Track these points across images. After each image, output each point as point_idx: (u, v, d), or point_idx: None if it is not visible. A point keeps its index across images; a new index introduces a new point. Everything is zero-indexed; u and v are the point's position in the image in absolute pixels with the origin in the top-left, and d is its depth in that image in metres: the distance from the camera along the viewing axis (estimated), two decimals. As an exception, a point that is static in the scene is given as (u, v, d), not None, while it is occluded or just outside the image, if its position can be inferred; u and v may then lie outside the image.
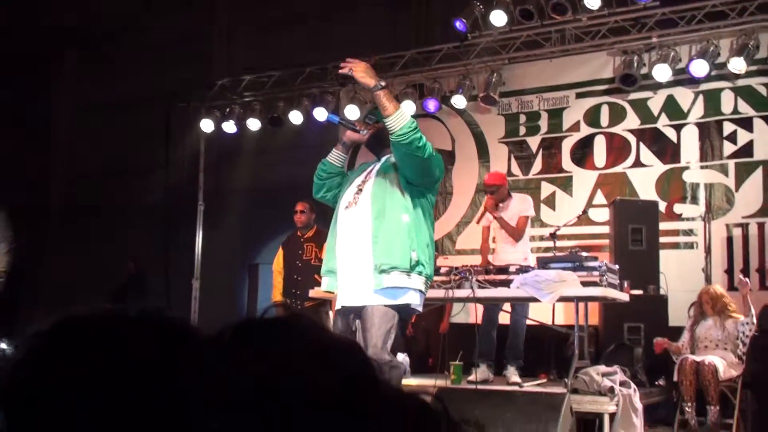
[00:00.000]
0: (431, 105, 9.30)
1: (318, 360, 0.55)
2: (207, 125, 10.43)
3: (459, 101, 9.10)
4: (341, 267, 4.04)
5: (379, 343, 3.83)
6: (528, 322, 6.81)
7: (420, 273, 3.95)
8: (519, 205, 6.98)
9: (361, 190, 4.10)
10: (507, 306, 6.74)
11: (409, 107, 9.37)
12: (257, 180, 10.97)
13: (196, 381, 0.52)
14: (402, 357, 7.17)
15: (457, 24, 8.77)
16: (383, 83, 3.96)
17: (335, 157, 4.34)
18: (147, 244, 11.33)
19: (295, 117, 9.96)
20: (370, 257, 3.91)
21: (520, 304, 6.65)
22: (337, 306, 4.11)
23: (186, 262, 10.67)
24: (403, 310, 4.00)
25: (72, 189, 13.58)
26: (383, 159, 4.23)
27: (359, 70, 3.99)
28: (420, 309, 4.13)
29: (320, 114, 9.82)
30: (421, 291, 4.00)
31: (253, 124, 10.26)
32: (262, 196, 10.72)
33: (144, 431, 0.49)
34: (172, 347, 0.55)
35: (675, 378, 6.46)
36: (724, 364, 6.35)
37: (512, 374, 6.60)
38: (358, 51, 9.92)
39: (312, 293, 6.76)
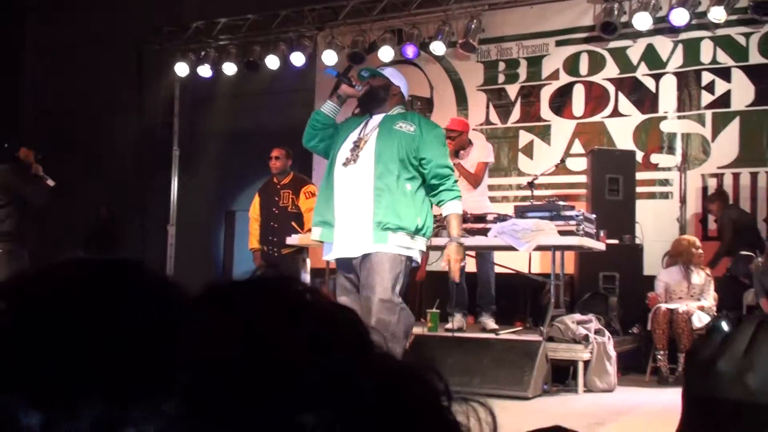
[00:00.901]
0: (410, 51, 9.20)
1: (309, 336, 0.51)
2: (182, 69, 10.26)
3: (438, 48, 9.00)
4: (341, 221, 4.10)
5: (389, 285, 3.93)
6: (504, 270, 6.86)
7: (424, 235, 4.11)
8: (478, 152, 6.92)
9: (358, 146, 4.16)
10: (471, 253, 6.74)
11: (387, 53, 9.27)
12: (233, 125, 10.81)
13: (176, 352, 0.49)
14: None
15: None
16: (462, 240, 4.24)
17: (330, 108, 4.37)
18: (121, 189, 11.19)
19: (272, 62, 9.81)
20: (370, 213, 4.00)
21: (486, 252, 6.69)
22: (334, 256, 4.16)
23: (161, 208, 10.59)
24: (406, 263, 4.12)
25: (42, 131, 13.34)
26: (381, 117, 4.26)
27: (457, 264, 4.20)
28: (419, 263, 4.30)
29: (297, 59, 9.68)
30: (422, 250, 4.17)
31: (229, 68, 10.11)
32: (238, 142, 10.58)
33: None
34: (155, 312, 0.52)
35: (649, 326, 6.56)
36: (698, 313, 6.45)
37: (488, 321, 6.68)
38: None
39: (289, 240, 6.74)
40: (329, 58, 9.58)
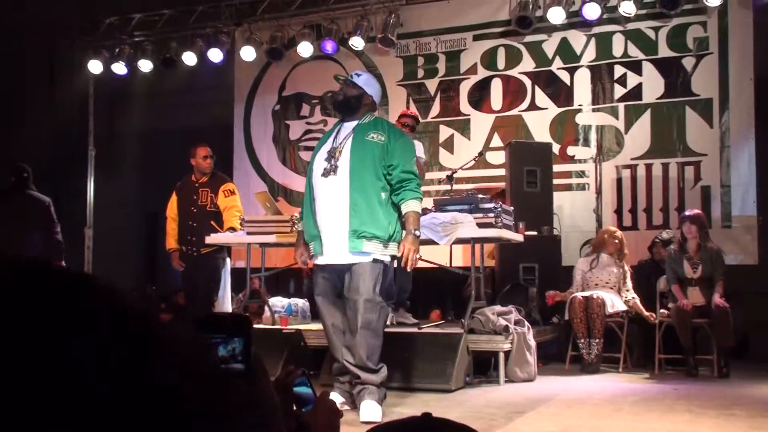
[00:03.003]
0: (329, 46, 9.16)
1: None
2: (95, 66, 9.99)
3: (357, 42, 8.99)
4: (325, 229, 4.51)
5: (371, 288, 4.43)
6: (426, 264, 6.88)
7: (395, 240, 4.52)
8: None
9: (333, 156, 4.51)
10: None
11: (306, 48, 9.21)
12: (152, 124, 10.57)
13: None
14: (302, 302, 7.18)
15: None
16: (417, 233, 4.53)
17: None
18: (38, 190, 10.83)
19: (189, 58, 9.64)
20: (347, 223, 4.41)
21: None
22: (322, 262, 4.57)
23: (78, 211, 10.30)
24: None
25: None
26: (353, 125, 4.60)
27: (412, 254, 4.49)
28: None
29: (215, 55, 9.53)
30: (393, 255, 4.59)
31: (145, 65, 9.89)
32: (157, 141, 10.35)
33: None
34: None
35: (566, 316, 6.69)
36: (611, 299, 6.62)
37: (407, 315, 6.72)
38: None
39: (208, 239, 6.64)
40: (247, 53, 9.47)
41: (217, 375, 0.55)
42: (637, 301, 6.81)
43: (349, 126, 4.60)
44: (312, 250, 4.60)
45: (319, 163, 4.56)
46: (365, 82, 4.69)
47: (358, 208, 4.39)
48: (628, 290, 6.87)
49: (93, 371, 0.49)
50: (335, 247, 4.47)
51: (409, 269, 4.61)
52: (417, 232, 4.50)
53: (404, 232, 4.50)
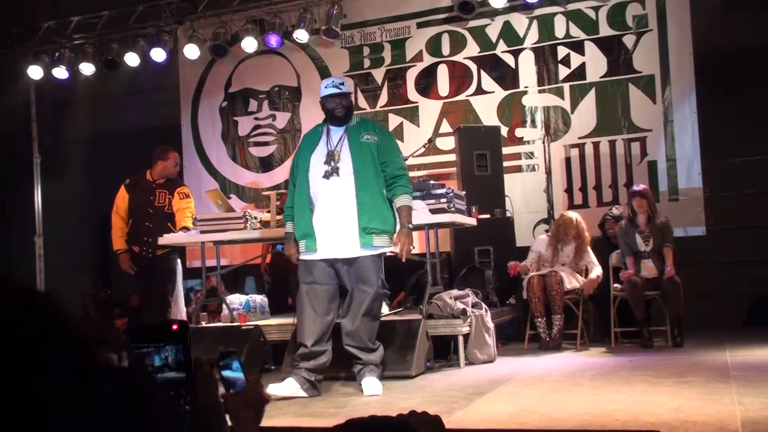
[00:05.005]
0: (273, 40, 9.11)
1: None
2: (35, 72, 9.78)
3: (301, 35, 8.95)
4: (326, 228, 4.81)
5: (377, 280, 4.86)
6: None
7: (393, 232, 4.92)
8: None
9: (333, 159, 4.82)
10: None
11: (250, 44, 9.14)
12: (97, 127, 10.40)
13: None
14: (260, 298, 7.15)
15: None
16: (411, 226, 4.92)
17: None
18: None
19: (132, 59, 9.49)
20: (355, 221, 4.75)
21: None
22: (319, 257, 4.85)
23: (27, 219, 10.11)
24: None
25: None
26: (343, 128, 4.92)
27: (408, 246, 4.90)
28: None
29: (158, 55, 9.41)
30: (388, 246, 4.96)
31: (87, 68, 9.71)
32: (104, 145, 10.19)
33: None
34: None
35: (524, 296, 6.76)
36: (567, 275, 6.70)
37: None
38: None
39: (162, 240, 6.57)
40: (191, 51, 9.36)
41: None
42: (599, 274, 6.82)
43: (339, 129, 4.93)
44: (304, 247, 4.88)
45: (317, 165, 4.85)
46: (349, 87, 5.16)
47: (365, 206, 4.77)
48: (591, 262, 6.88)
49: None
50: (339, 242, 4.80)
51: (404, 260, 4.95)
52: (410, 225, 4.89)
53: (399, 227, 4.88)
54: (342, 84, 4.99)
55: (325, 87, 4.99)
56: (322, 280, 4.90)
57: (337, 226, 4.80)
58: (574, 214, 7.05)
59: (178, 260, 6.97)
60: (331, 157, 4.84)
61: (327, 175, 4.82)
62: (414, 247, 5.05)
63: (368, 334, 4.93)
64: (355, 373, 4.99)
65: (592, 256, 6.93)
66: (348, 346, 4.93)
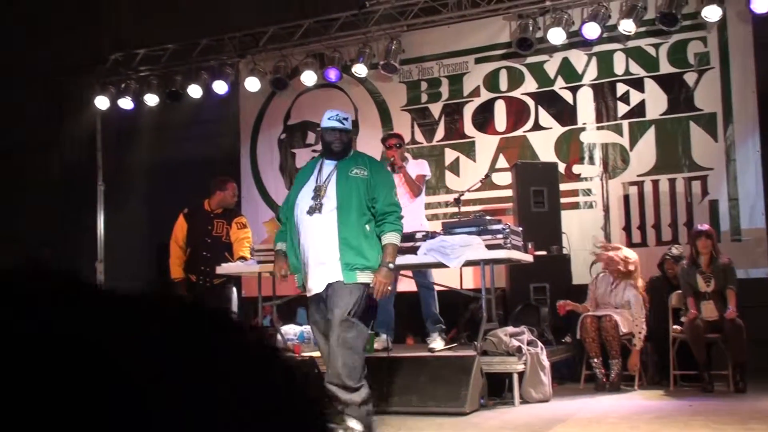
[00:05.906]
0: (332, 74, 9.24)
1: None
2: (102, 102, 10.08)
3: (360, 70, 9.07)
4: (311, 263, 4.64)
5: (348, 309, 4.49)
6: (437, 287, 6.89)
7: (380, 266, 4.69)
8: (416, 166, 7.03)
9: (319, 194, 4.66)
10: (408, 273, 6.76)
11: (309, 77, 9.29)
12: (160, 157, 10.66)
13: None
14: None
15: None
16: (392, 265, 4.70)
17: None
18: (47, 228, 10.92)
19: (194, 91, 9.73)
20: (338, 257, 4.56)
21: (422, 271, 6.71)
22: (310, 293, 4.70)
23: (89, 245, 10.36)
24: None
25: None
26: (335, 163, 4.75)
27: (383, 287, 4.63)
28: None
29: (220, 87, 9.62)
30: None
31: (151, 99, 9.99)
32: (165, 174, 10.44)
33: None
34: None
35: (578, 335, 6.67)
36: (621, 318, 6.59)
37: (435, 340, 6.62)
38: (256, 21, 9.78)
39: (219, 270, 6.67)
40: (252, 84, 9.55)
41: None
42: (641, 336, 6.67)
43: (332, 163, 4.77)
44: (297, 282, 4.81)
45: (304, 200, 4.71)
46: (350, 124, 4.91)
47: (347, 242, 4.57)
48: (634, 309, 6.72)
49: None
50: (320, 277, 4.62)
51: (378, 298, 4.68)
52: (391, 265, 4.68)
53: (379, 265, 4.62)
54: (345, 119, 4.82)
55: (328, 119, 4.80)
56: (318, 317, 4.75)
57: (320, 262, 4.63)
58: (628, 252, 6.97)
59: (234, 289, 7.07)
60: (317, 192, 4.69)
61: (311, 211, 4.66)
62: (390, 289, 4.79)
63: (347, 369, 4.46)
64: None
65: (636, 295, 6.76)
66: (329, 383, 4.49)
